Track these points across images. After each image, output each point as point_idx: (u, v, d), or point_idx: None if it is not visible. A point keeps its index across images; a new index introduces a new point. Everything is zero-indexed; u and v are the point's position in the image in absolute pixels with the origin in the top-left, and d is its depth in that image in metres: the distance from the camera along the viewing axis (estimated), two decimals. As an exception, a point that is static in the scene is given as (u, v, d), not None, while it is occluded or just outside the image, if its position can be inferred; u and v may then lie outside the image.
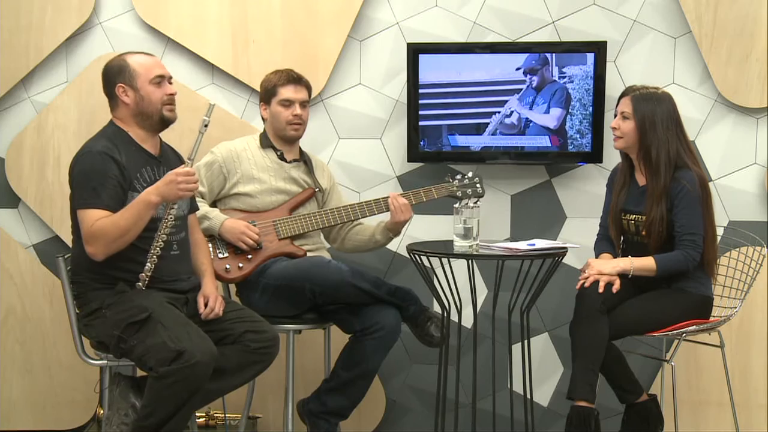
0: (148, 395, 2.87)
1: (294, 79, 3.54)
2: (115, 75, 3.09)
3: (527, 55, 3.80)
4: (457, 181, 3.59)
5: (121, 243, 2.94)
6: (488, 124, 3.84)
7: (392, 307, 3.40)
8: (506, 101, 3.82)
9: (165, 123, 3.13)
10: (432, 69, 3.82)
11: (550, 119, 3.81)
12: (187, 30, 3.95)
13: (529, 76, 3.80)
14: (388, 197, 3.52)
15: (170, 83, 3.14)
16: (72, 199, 3.04)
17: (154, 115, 3.09)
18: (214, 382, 2.95)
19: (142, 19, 3.95)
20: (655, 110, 3.31)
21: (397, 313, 3.41)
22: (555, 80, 3.79)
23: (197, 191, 3.27)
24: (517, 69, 3.79)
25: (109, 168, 2.97)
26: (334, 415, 3.44)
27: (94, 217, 2.93)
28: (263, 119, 3.61)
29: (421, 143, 3.86)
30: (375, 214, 3.54)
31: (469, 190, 3.58)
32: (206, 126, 2.98)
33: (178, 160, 3.26)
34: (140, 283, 3.00)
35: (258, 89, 3.85)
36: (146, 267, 2.99)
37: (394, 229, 3.55)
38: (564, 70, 3.79)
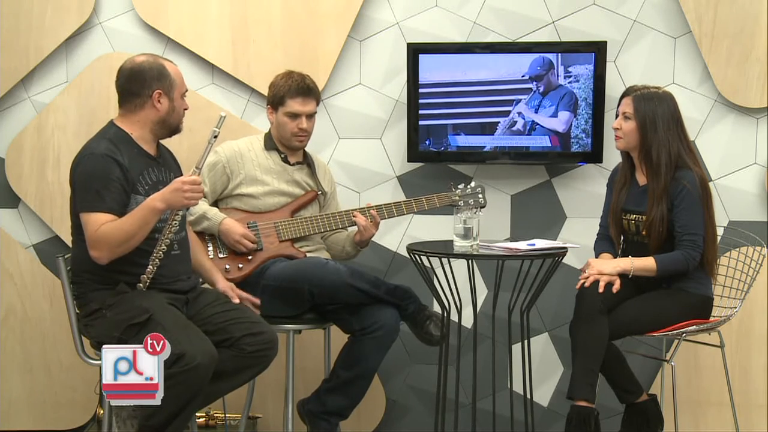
0: None
1: (303, 90, 3.49)
2: (153, 79, 3.05)
3: (532, 60, 3.79)
4: (459, 190, 3.58)
5: (126, 248, 2.94)
6: (496, 127, 3.83)
7: (391, 306, 3.40)
8: (512, 101, 3.81)
9: (174, 133, 3.17)
10: (432, 69, 3.83)
11: (558, 123, 3.81)
12: (187, 30, 3.95)
13: (535, 83, 3.80)
14: (390, 204, 3.53)
15: None
16: (73, 201, 3.03)
17: (173, 125, 3.12)
18: (212, 385, 2.95)
19: (142, 19, 3.95)
20: (656, 110, 3.31)
21: (396, 312, 3.41)
22: (562, 84, 3.79)
23: None
24: (523, 76, 3.79)
25: (112, 170, 2.96)
26: (333, 414, 3.44)
27: (99, 221, 2.92)
28: (270, 121, 3.60)
29: (427, 142, 3.86)
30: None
31: (471, 200, 3.57)
32: (215, 137, 2.99)
33: (174, 162, 3.26)
34: (141, 284, 3.00)
35: (258, 89, 3.86)
36: (148, 269, 2.98)
37: (362, 243, 3.56)
38: (570, 69, 3.78)
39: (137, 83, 3.06)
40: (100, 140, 3.04)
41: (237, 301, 3.22)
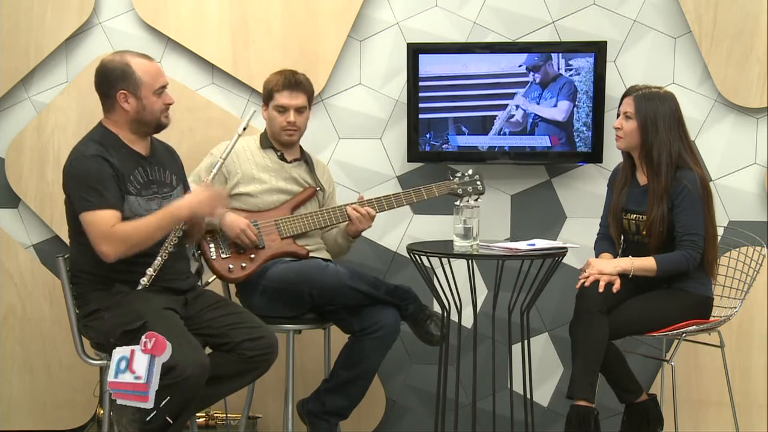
0: None
1: (291, 84, 3.50)
2: (117, 79, 3.01)
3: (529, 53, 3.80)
4: (457, 178, 3.58)
5: (137, 249, 2.94)
6: (494, 120, 3.83)
7: (391, 306, 3.40)
8: (513, 94, 3.81)
9: (159, 129, 3.12)
10: (431, 69, 3.82)
11: (558, 112, 3.80)
12: (187, 30, 3.95)
13: (532, 73, 3.80)
14: (390, 196, 3.52)
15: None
16: (70, 204, 3.01)
17: (151, 123, 3.07)
18: (212, 388, 2.95)
19: (142, 19, 3.95)
20: (657, 110, 3.31)
21: (396, 312, 3.41)
22: (561, 74, 3.79)
23: None
24: (520, 66, 3.79)
25: (104, 169, 2.95)
26: (333, 415, 3.44)
27: (106, 217, 2.90)
28: (264, 119, 3.60)
29: (427, 135, 3.86)
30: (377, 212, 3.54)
31: (470, 187, 3.57)
32: (245, 128, 3.00)
33: (170, 155, 3.25)
34: (145, 279, 2.99)
35: (258, 89, 3.86)
36: (151, 269, 2.98)
37: (354, 233, 3.55)
38: (570, 62, 3.78)
39: (104, 85, 3.05)
40: (88, 143, 3.03)
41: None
